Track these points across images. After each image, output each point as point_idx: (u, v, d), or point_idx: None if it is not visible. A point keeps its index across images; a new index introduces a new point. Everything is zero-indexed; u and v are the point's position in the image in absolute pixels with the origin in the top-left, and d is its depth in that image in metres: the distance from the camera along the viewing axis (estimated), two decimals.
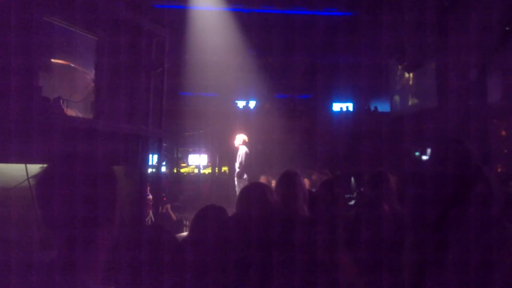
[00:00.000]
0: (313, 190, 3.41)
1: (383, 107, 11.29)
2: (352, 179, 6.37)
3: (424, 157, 7.90)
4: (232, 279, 1.39)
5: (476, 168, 1.11)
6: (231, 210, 1.94)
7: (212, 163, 9.34)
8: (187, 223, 6.41)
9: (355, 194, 5.66)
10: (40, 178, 0.98)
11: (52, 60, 4.27)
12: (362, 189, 5.37)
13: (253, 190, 1.94)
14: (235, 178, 6.85)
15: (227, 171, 9.16)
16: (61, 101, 3.89)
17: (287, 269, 1.28)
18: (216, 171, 9.31)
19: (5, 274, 0.98)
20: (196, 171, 9.32)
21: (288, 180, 2.09)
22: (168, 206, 6.44)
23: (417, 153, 8.26)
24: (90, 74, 4.66)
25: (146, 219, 5.53)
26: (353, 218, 1.82)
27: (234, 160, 7.13)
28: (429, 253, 1.09)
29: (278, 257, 1.34)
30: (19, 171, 3.05)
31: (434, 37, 6.29)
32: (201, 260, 1.44)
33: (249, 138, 7.23)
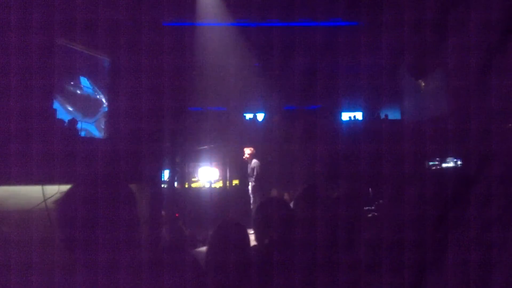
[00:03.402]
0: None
1: (394, 114, 11.24)
2: (370, 190, 6.27)
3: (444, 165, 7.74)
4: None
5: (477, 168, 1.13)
6: (244, 222, 1.97)
7: (223, 177, 9.37)
8: (200, 238, 6.41)
9: (373, 206, 5.55)
10: (62, 201, 1.00)
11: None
12: (381, 201, 5.29)
13: (272, 209, 1.95)
14: (250, 192, 6.85)
15: (238, 184, 9.17)
16: (76, 123, 4.01)
17: (287, 269, 1.30)
18: (228, 184, 9.32)
19: (5, 274, 1.00)
20: (207, 185, 9.36)
21: (312, 198, 2.10)
22: (181, 222, 6.47)
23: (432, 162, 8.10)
24: (103, 95, 4.79)
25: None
26: (353, 219, 1.84)
27: (246, 174, 7.16)
28: (429, 253, 1.10)
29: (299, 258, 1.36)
30: (37, 193, 3.13)
31: (442, 39, 6.26)
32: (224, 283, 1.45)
33: (258, 151, 7.26)
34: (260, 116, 10.85)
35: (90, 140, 4.47)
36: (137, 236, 1.06)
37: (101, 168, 3.05)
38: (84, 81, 4.70)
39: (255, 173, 6.77)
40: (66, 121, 4.17)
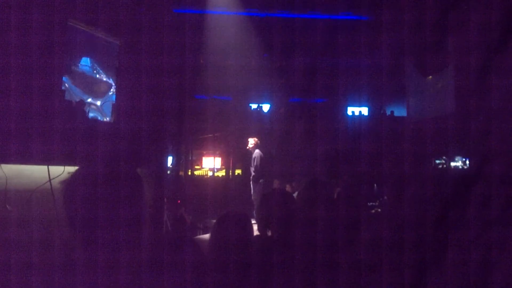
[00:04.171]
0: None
1: (400, 111, 11.18)
2: (375, 186, 6.27)
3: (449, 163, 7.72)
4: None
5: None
6: (247, 213, 1.98)
7: (225, 165, 9.41)
8: (201, 226, 6.46)
9: (377, 202, 5.54)
10: (70, 181, 1.02)
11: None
12: (385, 197, 5.28)
13: (276, 200, 1.96)
14: (251, 182, 6.87)
15: (240, 173, 9.21)
16: (84, 105, 4.03)
17: (287, 269, 1.31)
18: (230, 174, 9.37)
19: (6, 274, 1.02)
20: (210, 173, 9.41)
21: (315, 191, 2.11)
22: (183, 209, 6.51)
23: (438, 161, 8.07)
24: (111, 78, 4.79)
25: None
26: (353, 218, 1.85)
27: (249, 164, 7.17)
28: (429, 253, 1.10)
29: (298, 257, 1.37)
30: (42, 173, 3.15)
31: (451, 36, 6.20)
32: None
33: (263, 142, 7.25)
34: (266, 107, 10.82)
35: (97, 122, 4.49)
36: (141, 216, 1.07)
37: (108, 150, 3.07)
38: (91, 62, 4.69)
39: (255, 163, 6.78)
40: (74, 102, 4.18)
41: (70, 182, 1.04)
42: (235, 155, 9.12)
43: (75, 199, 1.01)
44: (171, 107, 5.47)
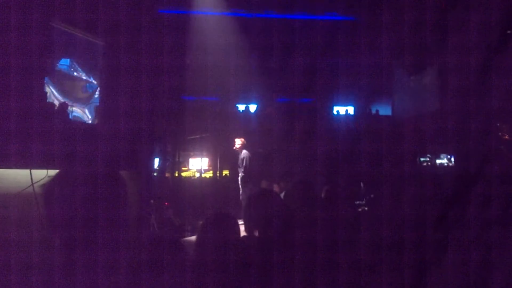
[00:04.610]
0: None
1: (385, 110, 11.32)
2: (362, 185, 6.31)
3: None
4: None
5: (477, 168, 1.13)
6: (234, 212, 1.97)
7: (213, 167, 9.35)
8: (189, 228, 6.41)
9: (364, 200, 5.58)
10: (51, 183, 1.00)
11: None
12: (372, 195, 5.33)
13: (263, 200, 1.95)
14: (239, 183, 6.85)
15: (228, 174, 9.18)
16: (67, 107, 3.93)
17: (287, 269, 1.30)
18: (218, 175, 9.32)
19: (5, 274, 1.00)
20: (197, 175, 9.34)
21: (302, 191, 2.12)
22: (171, 211, 6.45)
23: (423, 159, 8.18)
24: (95, 79, 4.70)
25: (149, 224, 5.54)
26: (353, 218, 1.86)
27: (236, 164, 7.15)
28: (429, 253, 1.10)
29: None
30: (24, 176, 3.08)
31: (435, 37, 6.31)
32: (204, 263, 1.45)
33: (250, 142, 7.23)
34: (253, 107, 10.81)
35: (80, 124, 4.40)
36: (121, 216, 1.06)
37: (90, 152, 3.01)
38: (74, 63, 4.60)
39: (244, 164, 6.76)
40: (57, 104, 4.09)
41: (51, 185, 1.04)
42: (223, 156, 9.08)
43: (58, 200, 1.01)
44: (157, 108, 5.41)
